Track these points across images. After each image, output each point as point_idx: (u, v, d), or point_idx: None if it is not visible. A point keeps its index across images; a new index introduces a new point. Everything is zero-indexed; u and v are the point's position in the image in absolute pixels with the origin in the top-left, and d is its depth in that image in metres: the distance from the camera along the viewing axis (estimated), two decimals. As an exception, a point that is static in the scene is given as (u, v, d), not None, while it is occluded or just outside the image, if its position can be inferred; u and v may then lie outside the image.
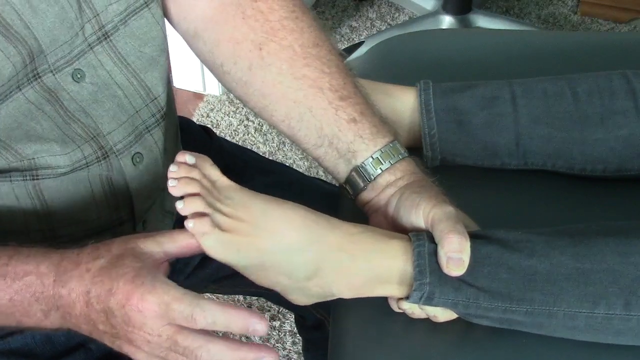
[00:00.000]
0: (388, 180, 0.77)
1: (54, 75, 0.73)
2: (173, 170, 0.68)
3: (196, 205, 0.66)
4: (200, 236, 0.66)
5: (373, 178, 0.78)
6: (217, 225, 0.66)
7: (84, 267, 0.65)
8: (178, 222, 0.89)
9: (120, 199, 0.81)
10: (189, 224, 0.66)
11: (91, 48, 0.76)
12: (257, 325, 0.62)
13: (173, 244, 0.67)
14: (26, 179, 0.74)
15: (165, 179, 0.68)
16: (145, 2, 0.79)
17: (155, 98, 0.82)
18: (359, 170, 0.78)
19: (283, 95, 0.80)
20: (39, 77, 0.72)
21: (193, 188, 0.67)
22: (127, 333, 0.63)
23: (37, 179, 0.74)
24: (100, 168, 0.78)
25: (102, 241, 0.67)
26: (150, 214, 0.86)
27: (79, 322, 0.66)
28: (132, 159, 0.80)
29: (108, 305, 0.63)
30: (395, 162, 0.78)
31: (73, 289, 0.64)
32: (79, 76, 0.75)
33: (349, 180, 0.79)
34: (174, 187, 0.67)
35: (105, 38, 0.77)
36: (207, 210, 0.67)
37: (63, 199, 0.76)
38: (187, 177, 0.68)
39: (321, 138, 0.79)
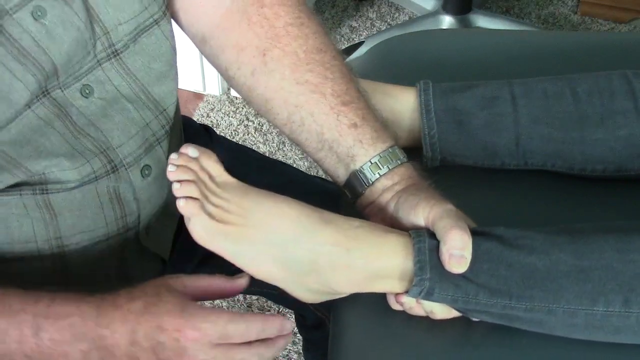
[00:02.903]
0: (385, 185, 0.78)
1: (62, 91, 0.73)
2: (174, 157, 0.72)
3: (190, 190, 0.70)
4: (188, 219, 0.70)
5: (371, 183, 0.78)
6: (207, 213, 0.70)
7: (126, 309, 0.67)
8: (179, 229, 0.90)
9: (127, 209, 0.81)
10: (180, 202, 0.70)
11: (100, 64, 0.76)
12: (288, 325, 0.69)
13: (195, 286, 0.71)
14: (36, 193, 0.74)
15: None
16: (155, 20, 0.80)
17: (164, 110, 0.83)
18: (357, 174, 0.78)
19: (285, 100, 0.80)
20: (48, 93, 0.72)
21: (189, 176, 0.71)
22: None
23: (46, 193, 0.75)
24: (108, 180, 0.78)
25: (132, 286, 0.70)
26: (154, 218, 0.86)
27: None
28: (141, 171, 0.81)
29: (158, 340, 0.66)
30: (394, 168, 0.78)
31: (116, 330, 0.67)
32: (87, 92, 0.75)
33: (347, 184, 0.80)
34: (172, 172, 0.71)
35: (115, 55, 0.77)
36: (200, 197, 0.70)
37: (71, 209, 0.77)
38: (186, 166, 0.71)
39: (322, 142, 0.79)
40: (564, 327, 0.71)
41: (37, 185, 0.74)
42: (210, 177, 0.72)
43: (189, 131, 0.99)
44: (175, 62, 0.84)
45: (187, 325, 0.66)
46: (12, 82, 0.68)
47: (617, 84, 0.87)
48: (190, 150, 0.72)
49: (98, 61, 0.76)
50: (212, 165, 0.73)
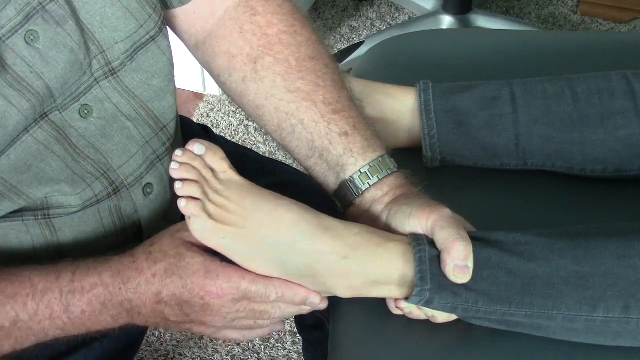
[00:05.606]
0: (375, 196, 0.77)
1: (60, 113, 0.73)
2: (178, 154, 0.72)
3: (192, 190, 0.71)
4: (189, 218, 0.71)
5: (361, 192, 0.77)
6: (207, 213, 0.70)
7: (149, 273, 0.71)
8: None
9: (128, 225, 0.82)
10: (181, 202, 0.71)
11: (97, 83, 0.76)
12: (313, 298, 0.72)
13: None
14: (37, 218, 0.74)
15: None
16: (152, 37, 0.80)
17: (165, 126, 0.83)
18: (347, 184, 0.78)
19: (275, 107, 0.81)
20: (46, 115, 0.72)
21: (192, 175, 0.71)
22: (202, 317, 0.71)
23: (48, 218, 0.75)
24: (110, 201, 0.79)
25: (147, 244, 0.73)
26: (155, 226, 0.86)
27: (147, 317, 0.72)
28: (142, 190, 0.81)
29: (183, 299, 0.70)
30: (384, 177, 0.77)
31: (143, 293, 0.71)
32: (86, 112, 0.75)
33: (337, 193, 0.79)
34: (175, 170, 0.72)
35: (112, 74, 0.77)
36: (201, 197, 0.71)
37: (72, 227, 0.77)
38: (189, 164, 0.72)
39: (312, 150, 0.79)
40: (563, 332, 0.71)
41: (39, 210, 0.74)
42: (214, 174, 0.72)
43: (187, 131, 0.98)
44: (174, 77, 0.84)
45: (211, 285, 0.69)
46: (7, 109, 0.68)
47: (616, 84, 0.87)
48: (196, 147, 0.73)
49: (96, 79, 0.75)
50: (218, 162, 0.73)
